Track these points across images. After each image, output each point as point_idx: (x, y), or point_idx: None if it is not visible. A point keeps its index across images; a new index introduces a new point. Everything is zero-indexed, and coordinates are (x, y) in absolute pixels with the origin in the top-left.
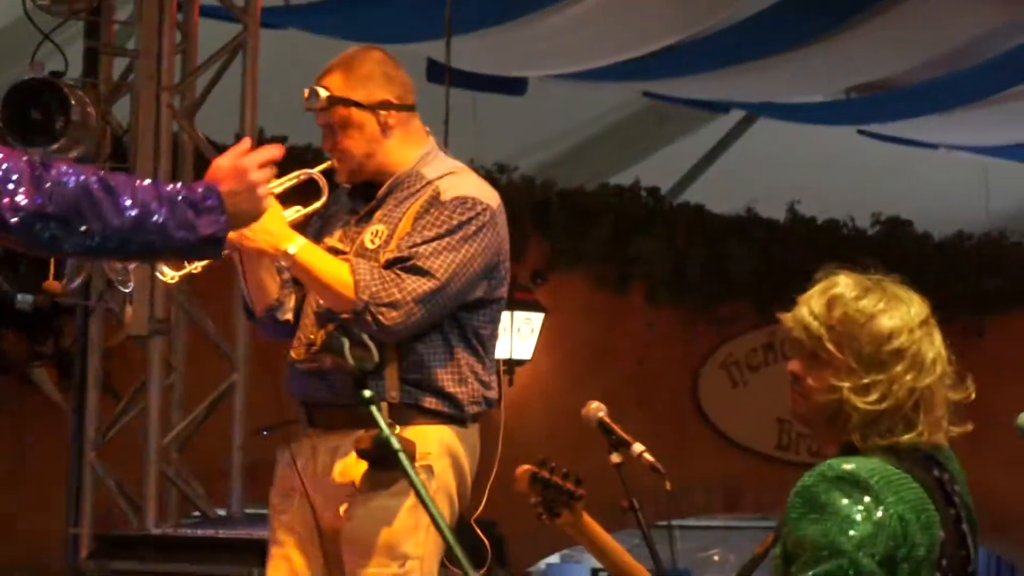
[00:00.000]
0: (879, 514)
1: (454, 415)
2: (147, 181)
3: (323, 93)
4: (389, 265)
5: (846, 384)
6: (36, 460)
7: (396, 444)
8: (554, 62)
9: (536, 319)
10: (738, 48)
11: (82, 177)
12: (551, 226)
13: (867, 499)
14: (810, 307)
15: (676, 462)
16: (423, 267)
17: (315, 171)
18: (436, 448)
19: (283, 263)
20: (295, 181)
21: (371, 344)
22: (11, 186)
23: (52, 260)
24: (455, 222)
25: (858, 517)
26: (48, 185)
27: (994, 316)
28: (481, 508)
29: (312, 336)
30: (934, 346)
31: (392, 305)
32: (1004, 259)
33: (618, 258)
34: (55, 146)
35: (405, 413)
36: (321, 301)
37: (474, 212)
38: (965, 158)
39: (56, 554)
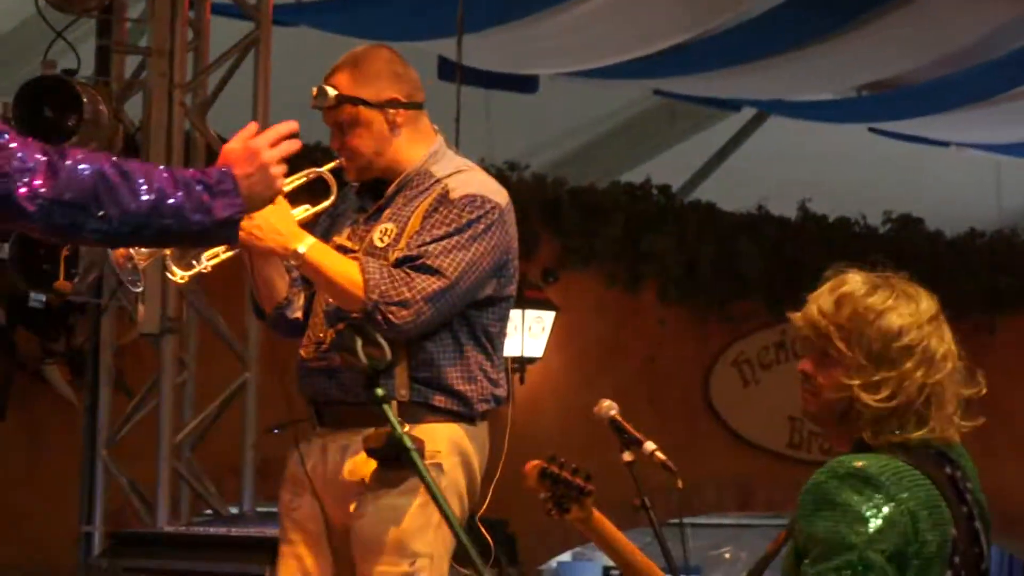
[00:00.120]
0: (889, 510)
1: (463, 413)
2: (161, 167)
3: (331, 92)
4: (399, 264)
5: (856, 382)
6: (49, 458)
7: (409, 443)
8: (565, 60)
9: (547, 317)
10: (749, 46)
11: (97, 164)
12: (562, 224)
13: (877, 496)
14: (819, 305)
15: (687, 460)
16: (433, 266)
17: (324, 169)
18: (445, 446)
19: (292, 262)
20: (304, 179)
21: (383, 342)
22: (28, 174)
23: (62, 258)
24: (464, 220)
25: (868, 513)
26: (64, 172)
27: (1006, 314)
28: (489, 506)
29: (321, 334)
30: (944, 342)
31: (402, 304)
32: (1016, 257)
33: (629, 256)
34: (67, 144)
35: (414, 411)
36: (331, 300)
37: (483, 210)
38: (977, 156)
39: (69, 552)
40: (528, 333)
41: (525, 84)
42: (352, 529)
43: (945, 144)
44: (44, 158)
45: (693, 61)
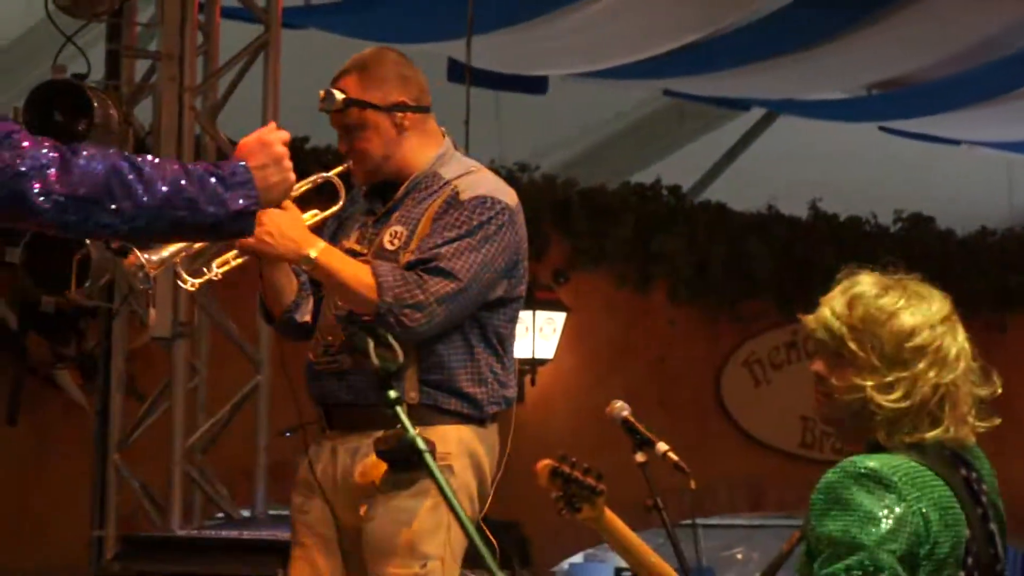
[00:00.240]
0: (901, 511)
1: (473, 415)
2: (174, 160)
3: (339, 95)
4: (411, 266)
5: (869, 383)
6: (60, 462)
7: (422, 445)
8: (575, 61)
9: (558, 318)
10: (758, 46)
11: (110, 158)
12: (572, 225)
13: (889, 496)
14: (832, 307)
15: (699, 461)
16: (445, 268)
17: (331, 174)
18: (456, 448)
19: (305, 268)
20: (312, 184)
21: (395, 345)
22: (42, 172)
23: (75, 264)
24: (475, 222)
25: (880, 514)
26: (78, 169)
27: (1016, 312)
28: (502, 508)
29: (331, 337)
30: (957, 342)
31: (416, 307)
32: None
33: (639, 257)
34: None
35: (424, 414)
36: (343, 304)
37: (493, 212)
38: (988, 154)
39: (81, 556)
40: (539, 334)
41: (534, 85)
42: (363, 531)
43: (956, 142)
44: (56, 155)
45: (702, 61)
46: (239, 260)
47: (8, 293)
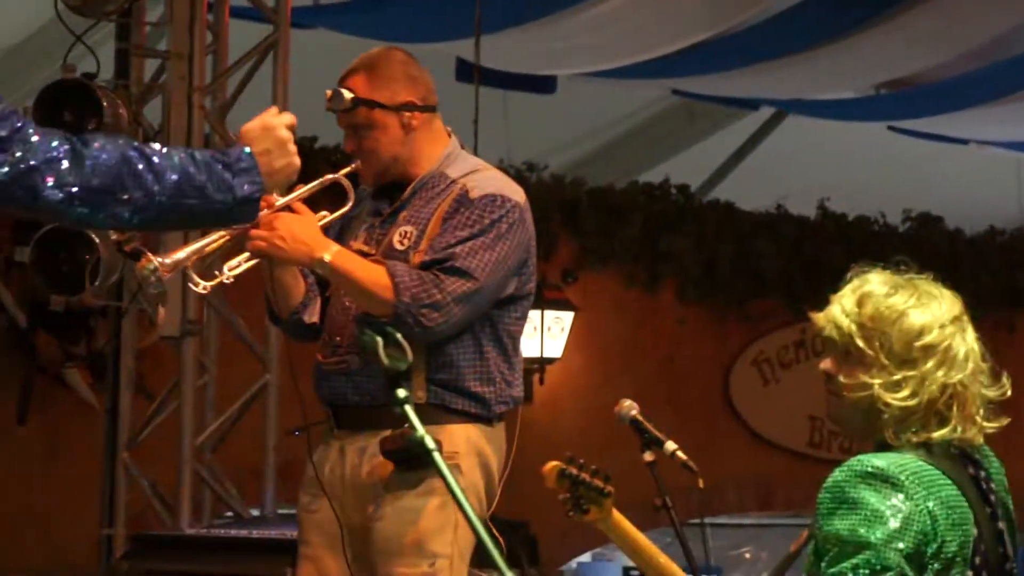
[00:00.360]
0: (908, 510)
1: (481, 414)
2: (184, 149)
3: (347, 94)
4: (426, 266)
5: (877, 381)
6: (70, 461)
7: (431, 444)
8: (583, 60)
9: (566, 318)
10: (767, 45)
11: (120, 148)
12: (581, 224)
13: (896, 495)
14: (841, 305)
15: (707, 460)
16: (461, 267)
17: (340, 175)
18: (464, 447)
19: (319, 271)
20: (320, 186)
21: (405, 344)
22: (53, 164)
23: (88, 266)
24: (487, 220)
25: (887, 512)
26: (89, 159)
27: None
28: (511, 507)
29: (338, 337)
30: (966, 342)
31: (433, 306)
32: None
33: (648, 256)
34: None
35: (432, 413)
36: (359, 306)
37: (504, 209)
38: (996, 153)
39: (90, 554)
40: (547, 334)
41: (543, 85)
42: (371, 531)
43: (964, 142)
44: (67, 147)
45: (711, 60)
46: (251, 263)
47: (18, 292)
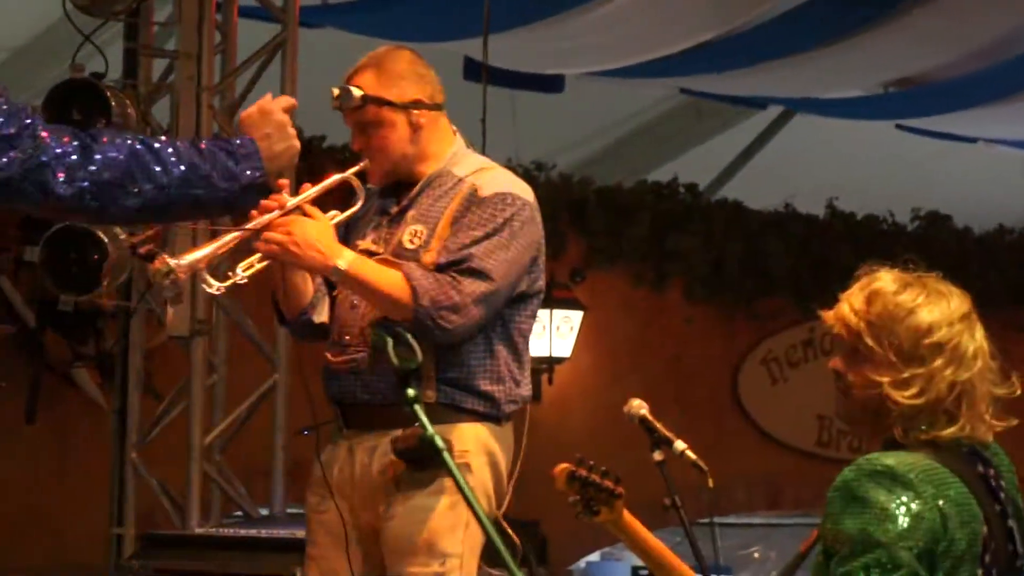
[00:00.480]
0: (918, 508)
1: (490, 413)
2: (186, 140)
3: (357, 92)
4: (442, 268)
5: (886, 379)
6: (79, 461)
7: (440, 443)
8: (591, 59)
9: (575, 317)
10: (775, 44)
11: (128, 142)
12: (589, 224)
13: (905, 493)
14: (850, 303)
15: (716, 459)
16: (478, 268)
17: (349, 174)
18: (473, 446)
19: (333, 278)
20: (330, 185)
21: (414, 343)
22: (63, 160)
23: (104, 267)
24: (500, 219)
25: (896, 511)
26: (99, 155)
27: None
28: (520, 507)
29: (347, 336)
30: (975, 340)
31: (453, 309)
32: None
33: (656, 255)
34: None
35: (442, 412)
36: (378, 311)
37: (515, 207)
38: (1005, 152)
39: (99, 554)
40: (556, 333)
41: (551, 84)
42: (382, 530)
43: (973, 140)
44: (77, 143)
45: (719, 59)
46: (264, 263)
47: (27, 292)
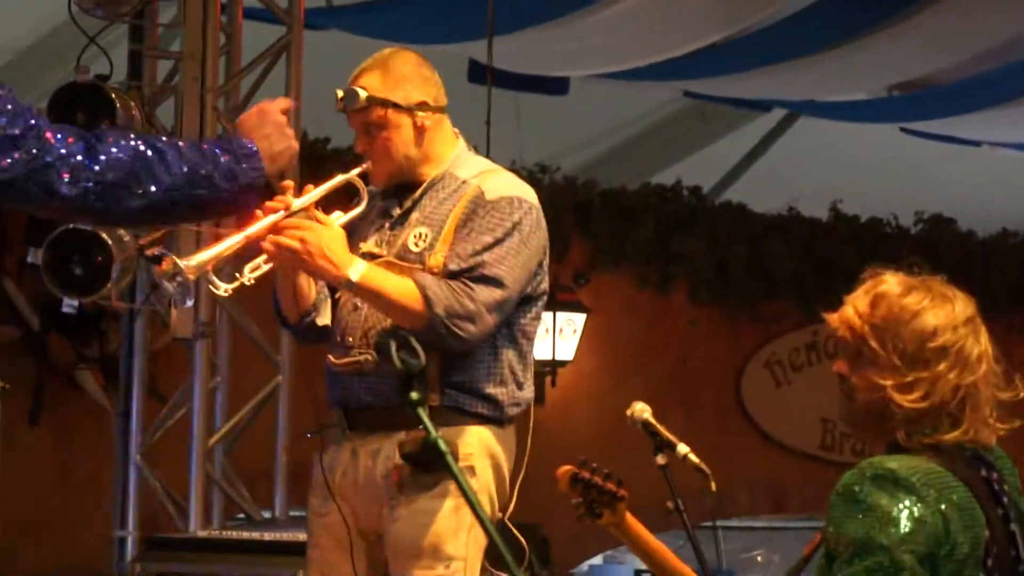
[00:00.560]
0: (920, 512)
1: (494, 416)
2: (187, 140)
3: (363, 93)
4: (454, 275)
5: (889, 382)
6: (82, 463)
7: (444, 447)
8: (595, 62)
9: (578, 320)
10: (779, 46)
11: (133, 143)
12: (593, 226)
13: (908, 497)
14: (855, 306)
15: (719, 462)
16: (491, 275)
17: (352, 175)
18: (477, 449)
19: (345, 289)
20: (334, 187)
21: (417, 346)
22: (68, 160)
23: (112, 270)
24: (509, 224)
25: (898, 515)
26: (103, 155)
27: None
28: (522, 510)
29: (350, 338)
30: (979, 344)
31: (467, 317)
32: None
33: (660, 258)
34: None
35: (446, 415)
36: (391, 320)
37: (522, 211)
38: (1009, 155)
39: (102, 556)
40: (559, 335)
41: (555, 86)
42: (386, 533)
43: (977, 143)
44: (82, 144)
45: (723, 62)
46: (270, 264)
47: (30, 294)
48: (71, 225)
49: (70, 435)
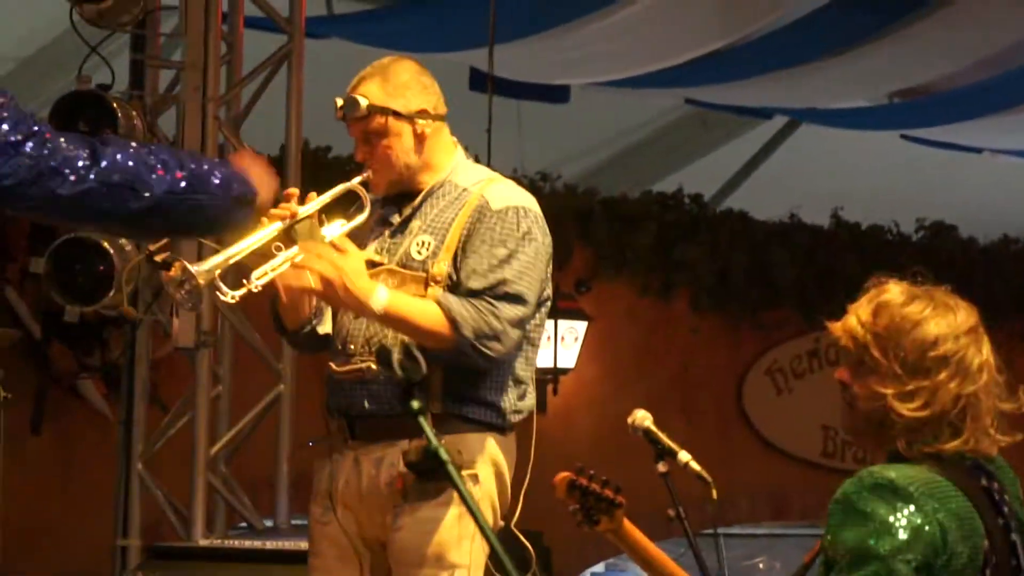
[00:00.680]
0: (917, 522)
1: (496, 424)
2: (186, 150)
3: (363, 102)
4: (477, 294)
5: (890, 391)
6: (84, 472)
7: (445, 455)
8: (596, 70)
9: (580, 327)
10: (780, 54)
11: (136, 149)
12: (594, 234)
13: (906, 507)
14: (857, 315)
15: (721, 470)
16: (514, 293)
17: (354, 183)
18: (480, 456)
19: (369, 319)
20: (336, 195)
21: (419, 354)
22: (72, 164)
23: (123, 280)
24: (520, 235)
25: (896, 524)
26: (107, 159)
27: None
28: (524, 517)
29: (352, 345)
30: (981, 354)
31: (495, 337)
32: None
33: (662, 265)
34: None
35: (448, 423)
36: (417, 342)
37: (530, 221)
38: (1010, 162)
39: (104, 565)
40: (561, 343)
41: (556, 94)
42: (389, 542)
43: (978, 150)
44: (86, 148)
45: (724, 70)
46: (276, 272)
47: (32, 303)
48: (73, 234)
49: (72, 444)
